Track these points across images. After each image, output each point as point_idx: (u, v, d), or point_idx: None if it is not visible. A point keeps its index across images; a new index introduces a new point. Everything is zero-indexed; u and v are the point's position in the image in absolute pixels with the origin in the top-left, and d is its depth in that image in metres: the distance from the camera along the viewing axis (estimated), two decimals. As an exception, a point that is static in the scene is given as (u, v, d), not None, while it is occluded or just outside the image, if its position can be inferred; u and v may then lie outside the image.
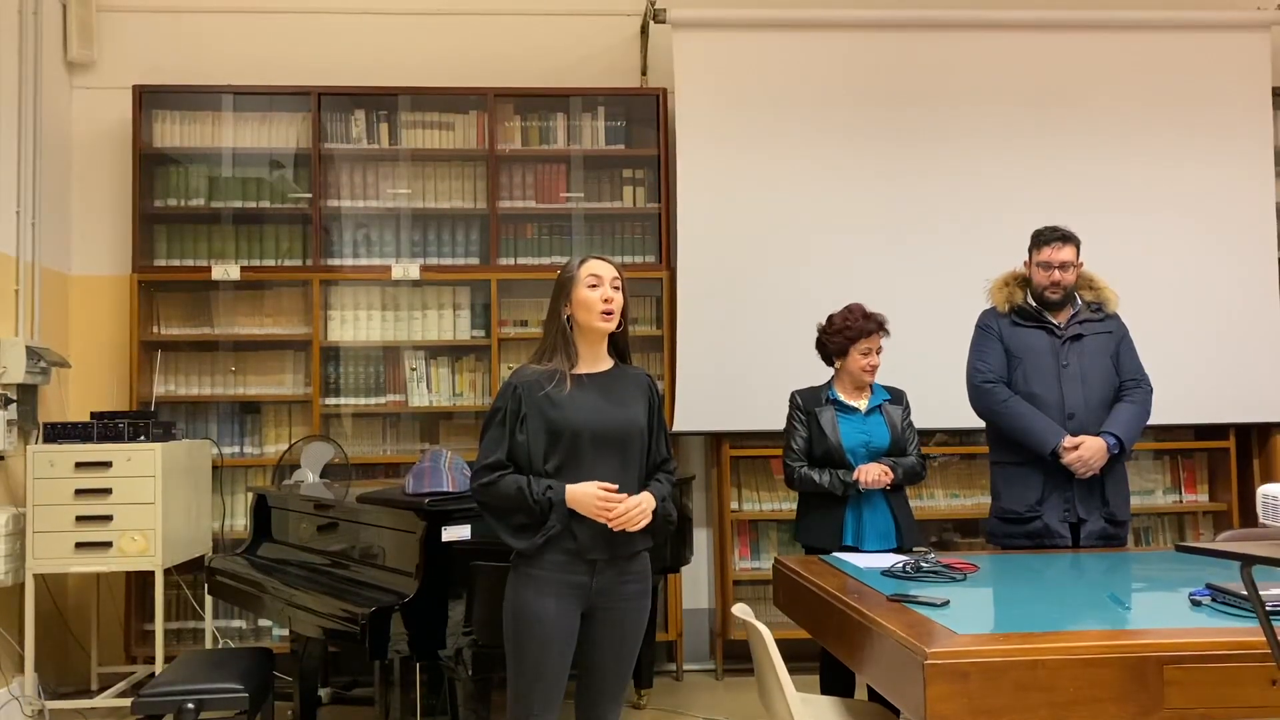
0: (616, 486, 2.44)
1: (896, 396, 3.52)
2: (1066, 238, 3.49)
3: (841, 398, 3.47)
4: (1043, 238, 3.52)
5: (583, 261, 2.57)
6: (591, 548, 2.45)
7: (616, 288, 2.54)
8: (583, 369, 2.55)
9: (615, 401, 2.53)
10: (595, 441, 2.48)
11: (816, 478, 3.39)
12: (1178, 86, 4.92)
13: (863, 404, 3.46)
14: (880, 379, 3.51)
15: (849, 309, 3.47)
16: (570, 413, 2.47)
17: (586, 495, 2.42)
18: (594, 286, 2.52)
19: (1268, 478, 4.83)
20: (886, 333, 3.46)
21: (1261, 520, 2.12)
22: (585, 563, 2.46)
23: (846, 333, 3.43)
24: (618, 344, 2.63)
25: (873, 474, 3.32)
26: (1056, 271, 3.47)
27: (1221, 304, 4.86)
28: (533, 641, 2.43)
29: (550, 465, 2.47)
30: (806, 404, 3.50)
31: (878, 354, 3.44)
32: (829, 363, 3.53)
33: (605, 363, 2.61)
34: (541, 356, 2.57)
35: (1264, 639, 1.81)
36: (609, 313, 2.52)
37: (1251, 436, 4.97)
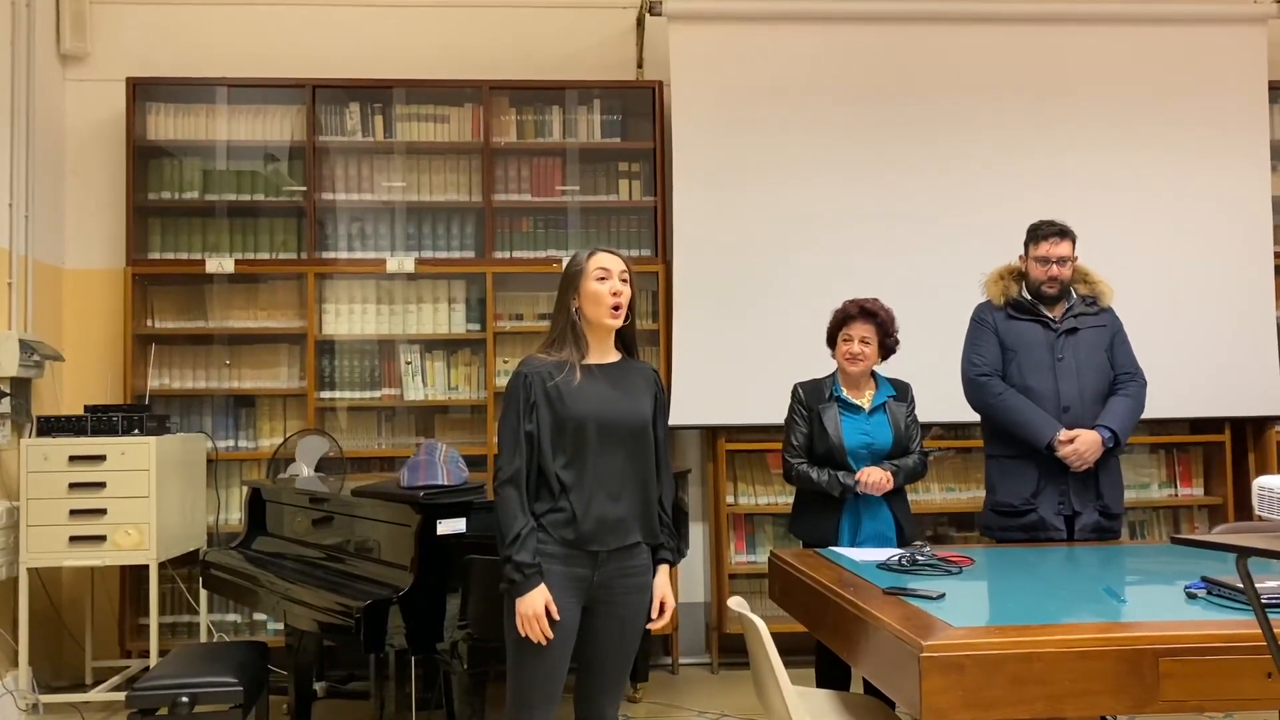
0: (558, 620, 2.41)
1: (901, 392, 3.44)
2: (1064, 232, 3.48)
3: (845, 394, 3.39)
4: (1040, 232, 3.50)
5: (591, 254, 2.57)
6: (593, 539, 2.45)
7: (625, 280, 2.55)
8: (591, 360, 2.55)
9: (623, 393, 2.54)
10: (601, 433, 2.48)
11: (815, 476, 3.33)
12: (1175, 80, 4.92)
13: (866, 402, 3.39)
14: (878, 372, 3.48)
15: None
16: (577, 403, 2.47)
17: (533, 607, 2.38)
18: (603, 279, 2.53)
19: (1263, 471, 4.83)
20: (874, 316, 3.34)
21: (1257, 513, 2.13)
22: (587, 555, 2.46)
23: (831, 325, 3.42)
24: (624, 337, 2.63)
25: (873, 479, 3.26)
26: (1054, 266, 3.46)
27: (1217, 297, 4.85)
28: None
29: (559, 463, 2.47)
30: (809, 399, 3.42)
31: (860, 343, 3.32)
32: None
33: (613, 355, 2.61)
34: (550, 347, 2.57)
35: (1259, 631, 1.81)
36: (617, 307, 2.53)
37: (1246, 430, 4.97)
